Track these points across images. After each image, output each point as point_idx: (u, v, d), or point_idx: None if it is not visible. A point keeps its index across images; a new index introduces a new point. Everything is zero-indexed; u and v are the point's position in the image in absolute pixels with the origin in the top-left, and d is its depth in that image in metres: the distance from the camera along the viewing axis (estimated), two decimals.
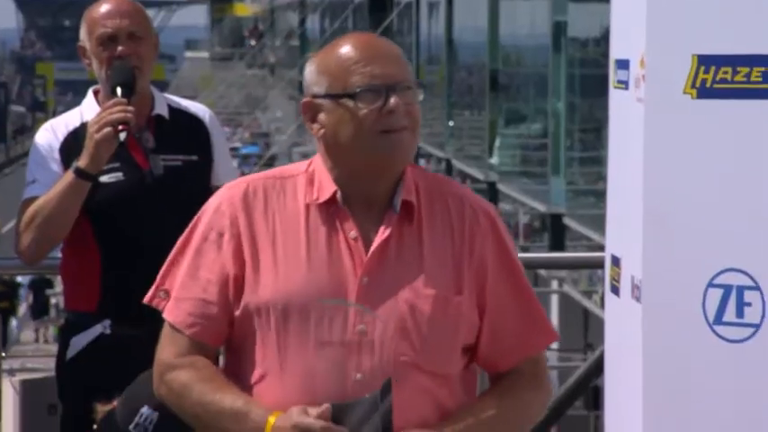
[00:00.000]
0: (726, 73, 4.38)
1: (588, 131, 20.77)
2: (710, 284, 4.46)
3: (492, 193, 24.23)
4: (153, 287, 3.47)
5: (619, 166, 4.80)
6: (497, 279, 3.52)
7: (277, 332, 3.35)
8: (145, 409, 4.23)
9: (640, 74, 4.49)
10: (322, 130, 3.38)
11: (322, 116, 3.38)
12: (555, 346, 14.25)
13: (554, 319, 20.99)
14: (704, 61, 4.38)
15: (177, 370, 3.38)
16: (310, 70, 3.42)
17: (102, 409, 4.37)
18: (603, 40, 5.28)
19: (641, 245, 4.52)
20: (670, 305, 4.48)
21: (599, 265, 5.27)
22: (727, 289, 4.45)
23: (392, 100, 3.32)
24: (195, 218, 3.48)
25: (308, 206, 3.40)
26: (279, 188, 3.42)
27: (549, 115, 22.87)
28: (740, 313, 4.43)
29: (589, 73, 20.16)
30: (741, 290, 4.44)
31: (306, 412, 3.29)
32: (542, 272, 18.34)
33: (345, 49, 3.38)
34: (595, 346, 12.70)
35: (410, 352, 3.40)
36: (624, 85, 4.68)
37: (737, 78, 4.35)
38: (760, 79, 4.28)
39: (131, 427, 4.20)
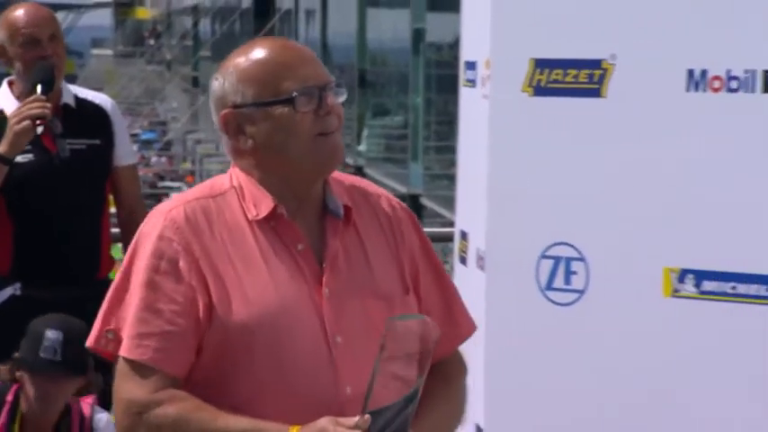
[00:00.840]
0: (558, 74, 4.45)
1: (443, 123, 20.89)
2: (543, 256, 4.54)
3: (360, 177, 24.76)
4: (95, 330, 2.86)
5: (467, 154, 4.86)
6: (425, 272, 3.06)
7: (262, 352, 2.81)
8: (49, 332, 4.21)
9: (486, 74, 4.55)
10: (250, 142, 2.83)
11: (250, 128, 2.83)
12: None
13: None
14: (540, 64, 4.44)
15: (160, 407, 2.77)
16: (228, 81, 2.86)
17: (3, 368, 4.36)
18: (456, 45, 5.30)
19: (485, 221, 4.58)
20: (509, 273, 4.55)
21: (450, 238, 5.31)
22: (557, 260, 4.54)
23: (329, 100, 2.83)
24: (130, 251, 2.87)
25: (250, 223, 2.86)
26: (215, 208, 2.86)
27: (410, 109, 23.18)
28: (567, 281, 4.52)
29: (443, 73, 20.30)
30: (569, 261, 4.54)
31: (338, 423, 2.75)
32: None
33: (267, 55, 2.86)
34: None
35: None
36: (472, 83, 4.74)
37: (567, 79, 4.43)
38: (586, 80, 4.37)
39: (40, 351, 4.18)
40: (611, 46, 4.36)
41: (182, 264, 2.79)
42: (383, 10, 26.46)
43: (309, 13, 33.51)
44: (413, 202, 20.82)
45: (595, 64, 4.41)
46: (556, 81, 4.43)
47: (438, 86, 20.80)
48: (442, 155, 21.26)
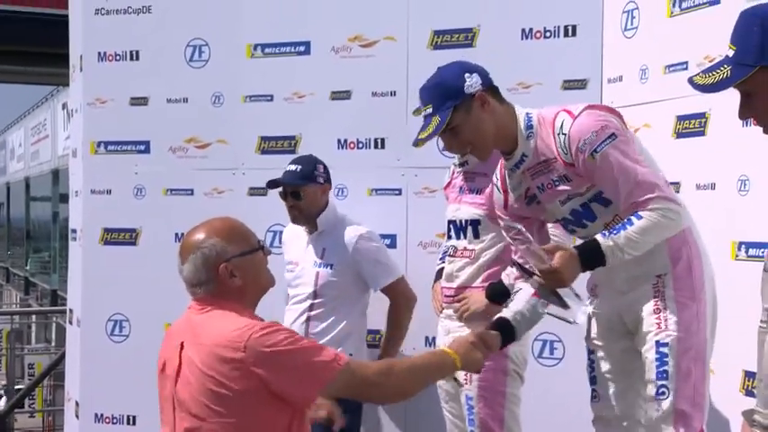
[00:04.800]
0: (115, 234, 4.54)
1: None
2: (109, 319, 4.50)
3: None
4: (327, 368, 2.31)
5: (73, 269, 4.79)
6: None
7: None
8: None
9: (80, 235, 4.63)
10: (240, 281, 2.41)
11: (238, 271, 2.41)
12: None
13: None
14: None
15: (392, 366, 2.43)
16: (218, 246, 2.40)
17: None
18: None
19: (80, 301, 4.57)
20: (92, 329, 4.51)
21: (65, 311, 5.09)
22: (116, 322, 4.50)
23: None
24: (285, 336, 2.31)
25: None
26: None
27: (51, 249, 23.96)
28: (119, 331, 4.49)
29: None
30: (120, 321, 4.49)
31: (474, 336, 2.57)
32: None
33: (234, 225, 2.47)
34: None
35: None
36: (75, 239, 4.77)
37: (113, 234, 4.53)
38: (128, 238, 4.55)
39: None
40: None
41: None
42: (39, 202, 26.77)
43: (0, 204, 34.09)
44: (53, 293, 20.70)
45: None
46: (112, 239, 4.58)
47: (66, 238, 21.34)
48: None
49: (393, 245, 4.20)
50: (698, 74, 1.92)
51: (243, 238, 2.46)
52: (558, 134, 2.60)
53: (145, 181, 4.62)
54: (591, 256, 2.48)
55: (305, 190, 3.90)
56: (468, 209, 3.43)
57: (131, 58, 4.66)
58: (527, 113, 2.71)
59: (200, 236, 2.44)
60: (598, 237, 2.51)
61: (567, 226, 2.76)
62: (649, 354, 2.58)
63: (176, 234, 4.42)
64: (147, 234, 4.64)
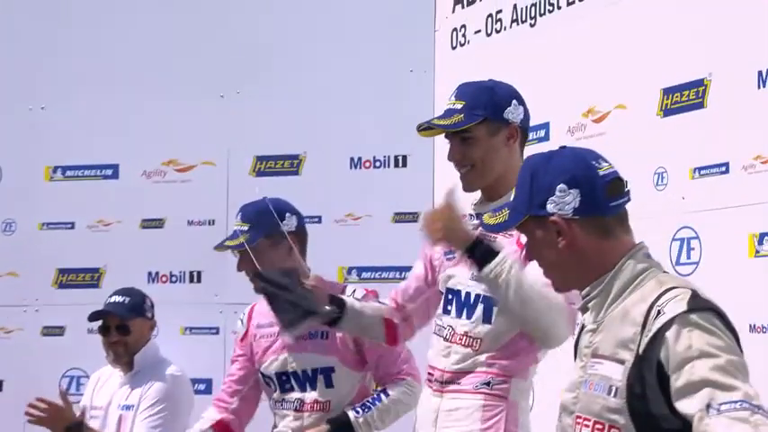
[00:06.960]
0: None
1: None
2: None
3: None
4: None
5: None
6: None
7: None
8: None
9: None
10: None
11: None
12: None
13: None
14: None
15: None
16: None
17: None
18: None
19: None
20: None
21: None
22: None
23: None
24: None
25: None
26: None
27: None
28: None
29: None
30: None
31: None
32: None
33: None
34: None
35: None
36: None
37: None
38: None
39: None
40: None
41: None
42: None
43: None
44: None
45: None
46: None
47: None
48: None
49: (208, 390, 4.03)
50: (488, 212, 2.05)
51: None
52: None
53: None
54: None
55: (134, 324, 3.73)
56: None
57: None
58: None
59: None
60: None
61: (450, 302, 2.64)
62: None
63: None
64: None
